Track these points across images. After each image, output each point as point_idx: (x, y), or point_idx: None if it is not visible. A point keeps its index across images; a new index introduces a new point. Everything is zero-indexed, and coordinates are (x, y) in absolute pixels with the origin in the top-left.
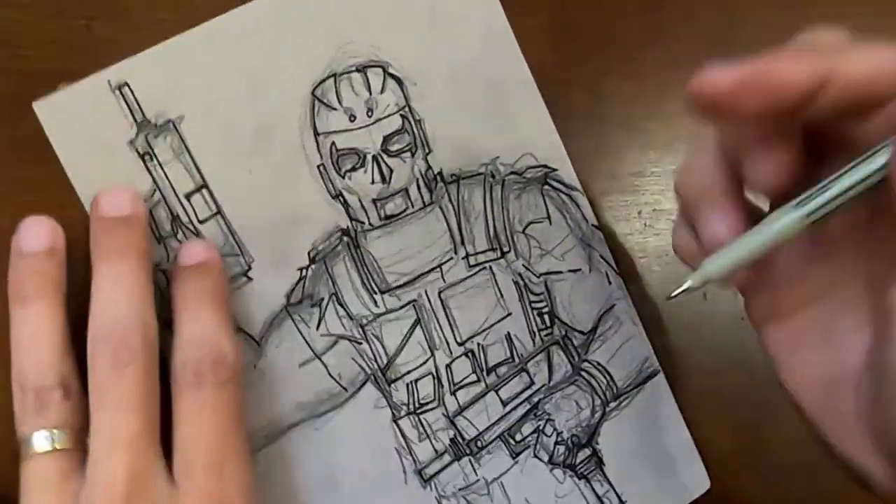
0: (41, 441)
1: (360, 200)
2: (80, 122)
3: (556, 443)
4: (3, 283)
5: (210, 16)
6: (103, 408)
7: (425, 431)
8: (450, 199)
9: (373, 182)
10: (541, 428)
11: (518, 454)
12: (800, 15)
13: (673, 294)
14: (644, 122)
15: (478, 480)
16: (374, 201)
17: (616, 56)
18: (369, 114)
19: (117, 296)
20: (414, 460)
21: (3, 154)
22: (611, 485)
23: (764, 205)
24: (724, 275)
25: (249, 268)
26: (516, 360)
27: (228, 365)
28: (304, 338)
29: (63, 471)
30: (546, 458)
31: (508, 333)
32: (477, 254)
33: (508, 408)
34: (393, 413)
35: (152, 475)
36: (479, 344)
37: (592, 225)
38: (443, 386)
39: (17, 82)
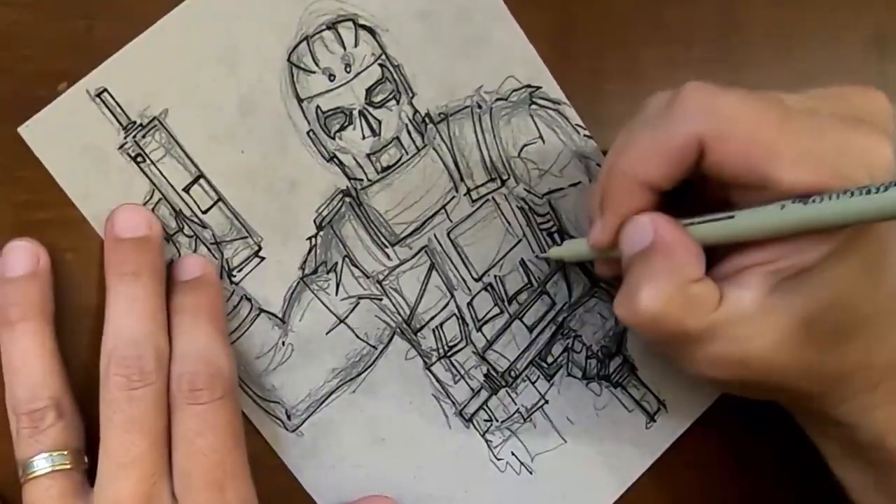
0: (40, 463)
1: (354, 158)
2: (66, 137)
3: (587, 357)
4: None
5: None
6: (112, 429)
7: (458, 372)
8: (441, 139)
9: (363, 137)
10: (570, 346)
11: (552, 376)
12: (799, 15)
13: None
14: None
15: (517, 409)
16: (368, 156)
17: (615, 56)
18: (347, 69)
19: (131, 318)
20: (453, 402)
21: (3, 154)
22: (647, 387)
23: None
24: (561, 256)
25: (260, 247)
26: (534, 284)
27: (224, 379)
28: (325, 305)
29: (64, 491)
30: (580, 374)
31: (522, 259)
32: (478, 187)
33: (535, 333)
34: (424, 361)
35: (158, 496)
36: (495, 276)
37: (585, 135)
38: (468, 324)
39: (17, 82)
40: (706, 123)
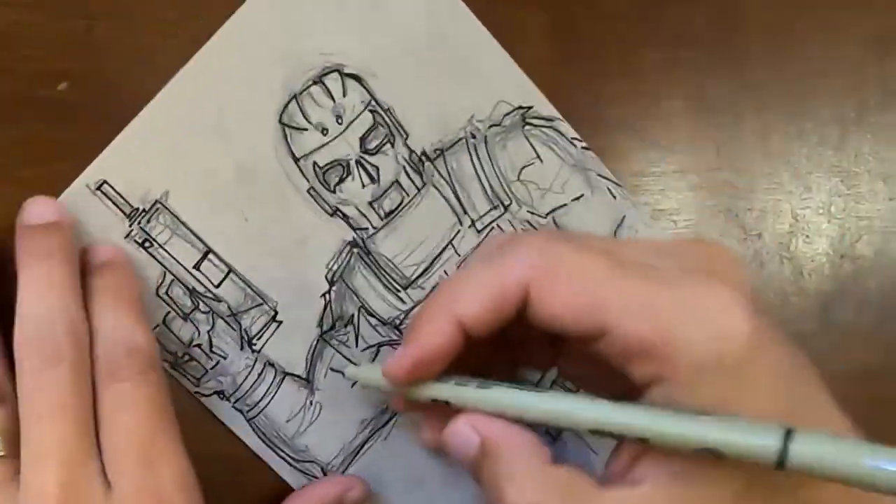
0: None
1: (357, 208)
2: (74, 235)
3: None
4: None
5: (210, 13)
6: (32, 415)
7: None
8: (440, 175)
9: (363, 186)
10: None
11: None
12: (799, 15)
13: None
14: (644, 122)
15: (547, 432)
16: (370, 204)
17: (616, 56)
18: (339, 121)
19: (41, 295)
20: None
21: (3, 154)
22: None
23: None
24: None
25: (276, 312)
26: None
27: (143, 354)
28: (347, 359)
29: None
30: None
31: None
32: (482, 217)
33: None
34: None
35: (86, 481)
36: None
37: (582, 147)
38: None
39: (17, 82)
40: (533, 268)
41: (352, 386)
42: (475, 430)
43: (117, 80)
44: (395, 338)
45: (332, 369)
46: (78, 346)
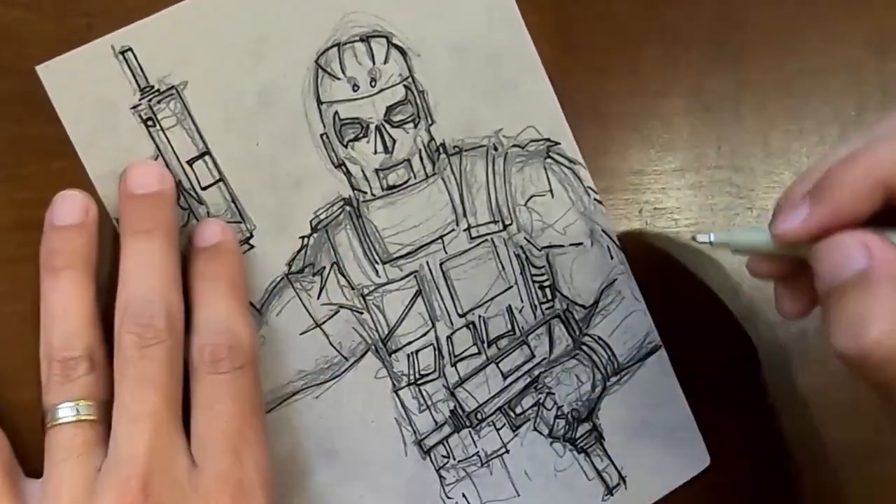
0: (66, 411)
1: (362, 170)
2: (82, 85)
3: (557, 416)
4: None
5: None
6: (126, 384)
7: (425, 402)
8: (452, 171)
9: (375, 152)
10: (541, 401)
11: (518, 427)
12: (799, 15)
13: (698, 238)
14: (644, 121)
15: (477, 452)
16: (376, 171)
17: (616, 55)
18: (372, 84)
19: (144, 275)
20: (414, 431)
21: (3, 153)
22: (610, 459)
23: None
24: (727, 242)
25: (251, 235)
26: (517, 332)
27: (245, 350)
28: (305, 306)
29: (87, 442)
30: (546, 432)
31: (510, 306)
32: (479, 226)
33: (509, 380)
34: (393, 383)
35: (174, 451)
36: (480, 316)
37: (595, 199)
38: (443, 357)
39: (18, 82)
40: None
41: (710, 243)
42: (866, 252)
43: None
44: (357, 305)
45: None
46: (174, 331)
